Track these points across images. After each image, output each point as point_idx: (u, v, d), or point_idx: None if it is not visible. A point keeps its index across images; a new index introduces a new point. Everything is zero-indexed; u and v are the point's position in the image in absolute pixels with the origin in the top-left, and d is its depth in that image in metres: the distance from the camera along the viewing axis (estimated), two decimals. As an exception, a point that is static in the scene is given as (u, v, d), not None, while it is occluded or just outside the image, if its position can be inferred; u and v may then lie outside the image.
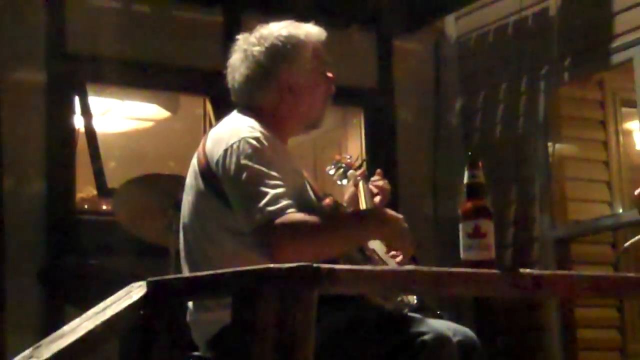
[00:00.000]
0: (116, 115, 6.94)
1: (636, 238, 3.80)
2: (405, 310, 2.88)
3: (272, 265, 2.15)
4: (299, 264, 2.05)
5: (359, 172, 3.40)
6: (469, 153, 2.66)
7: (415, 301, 2.96)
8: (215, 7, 6.42)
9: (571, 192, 6.63)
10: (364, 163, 3.49)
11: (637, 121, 6.59)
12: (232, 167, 2.76)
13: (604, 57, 6.22)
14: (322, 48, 3.10)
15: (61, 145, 5.93)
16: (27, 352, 2.23)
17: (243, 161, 2.75)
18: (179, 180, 4.79)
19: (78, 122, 6.04)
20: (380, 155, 6.73)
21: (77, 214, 6.00)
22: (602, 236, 6.65)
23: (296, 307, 2.05)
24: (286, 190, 2.74)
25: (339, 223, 2.93)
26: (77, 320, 2.30)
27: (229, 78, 3.08)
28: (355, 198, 3.34)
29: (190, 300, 2.69)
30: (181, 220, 3.02)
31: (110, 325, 2.26)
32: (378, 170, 3.44)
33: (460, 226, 2.49)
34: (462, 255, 2.46)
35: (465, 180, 2.56)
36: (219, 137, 2.88)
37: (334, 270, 2.12)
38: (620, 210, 6.51)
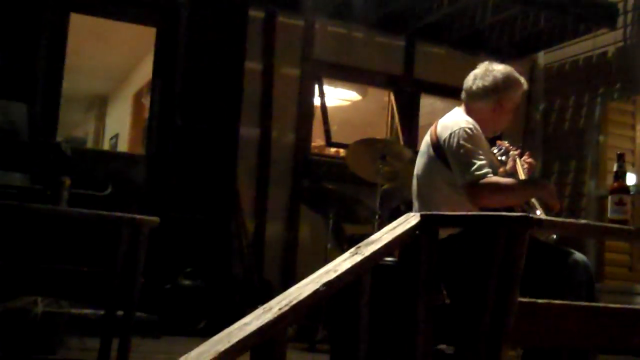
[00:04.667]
0: (331, 97, 6.99)
1: None
2: (552, 242, 2.83)
3: (504, 214, 2.05)
4: (520, 215, 1.96)
5: (517, 152, 3.32)
6: (618, 153, 2.44)
7: (555, 237, 2.87)
8: (400, 36, 6.39)
9: (610, 167, 6.47)
10: (520, 147, 3.38)
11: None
12: (454, 145, 2.69)
13: (638, 86, 6.04)
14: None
15: (305, 113, 6.01)
16: (352, 249, 2.09)
17: (461, 142, 2.67)
18: (383, 142, 4.85)
19: (316, 100, 6.11)
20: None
21: (312, 155, 6.05)
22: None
23: (517, 242, 1.96)
24: (487, 163, 2.66)
25: (518, 185, 2.79)
26: (378, 234, 2.17)
27: (469, 82, 2.94)
28: (513, 169, 3.24)
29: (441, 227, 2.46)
30: (415, 173, 2.91)
31: (399, 238, 2.15)
32: (527, 152, 3.14)
33: (610, 197, 2.34)
34: (609, 215, 2.32)
35: (615, 168, 2.39)
36: (446, 125, 2.78)
37: (540, 219, 2.09)
38: (638, 181, 6.38)
